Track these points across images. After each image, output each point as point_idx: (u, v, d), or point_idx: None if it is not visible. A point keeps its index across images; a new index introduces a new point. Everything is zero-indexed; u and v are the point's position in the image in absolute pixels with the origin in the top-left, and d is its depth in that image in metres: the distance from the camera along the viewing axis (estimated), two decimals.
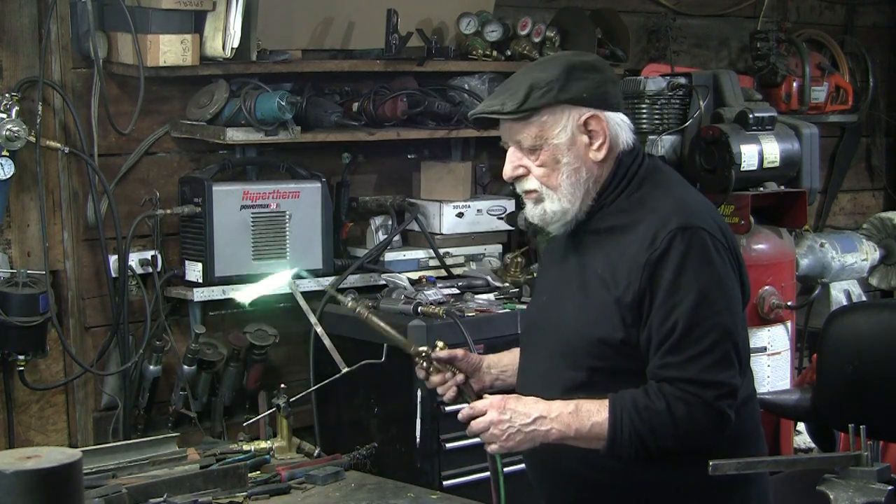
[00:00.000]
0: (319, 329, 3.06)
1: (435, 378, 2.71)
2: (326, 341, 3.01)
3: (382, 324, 2.74)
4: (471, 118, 2.71)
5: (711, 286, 2.47)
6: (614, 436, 2.46)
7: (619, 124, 2.60)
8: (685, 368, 2.44)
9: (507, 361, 2.83)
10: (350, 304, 2.76)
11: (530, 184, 2.60)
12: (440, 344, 2.72)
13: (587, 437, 2.49)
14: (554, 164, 2.56)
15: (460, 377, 2.71)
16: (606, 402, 2.49)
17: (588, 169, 2.57)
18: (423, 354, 2.69)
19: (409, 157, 4.73)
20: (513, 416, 2.52)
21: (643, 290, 2.47)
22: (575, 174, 2.56)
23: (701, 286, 2.45)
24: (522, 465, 2.80)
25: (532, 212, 2.63)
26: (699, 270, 2.46)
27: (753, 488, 2.61)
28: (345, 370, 2.95)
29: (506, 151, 2.65)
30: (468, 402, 2.69)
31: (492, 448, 2.56)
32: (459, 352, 2.74)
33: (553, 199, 2.58)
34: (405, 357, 3.89)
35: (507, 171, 2.62)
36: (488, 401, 2.56)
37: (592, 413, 2.48)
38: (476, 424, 2.54)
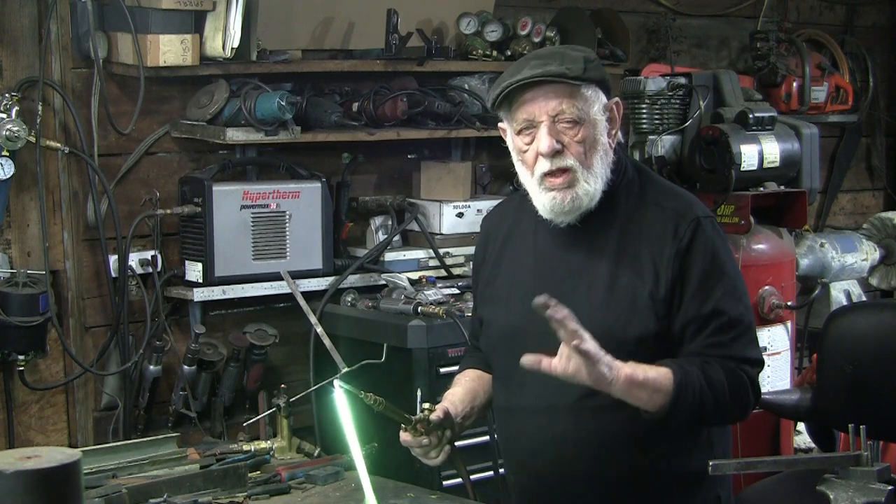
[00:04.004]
0: (319, 329, 3.06)
1: (434, 439, 2.64)
2: (326, 341, 3.01)
3: (398, 410, 2.65)
4: (511, 86, 2.49)
5: (735, 271, 2.58)
6: (679, 393, 2.42)
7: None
8: (731, 348, 2.51)
9: (460, 399, 2.75)
10: (367, 398, 2.62)
11: (567, 161, 2.49)
12: (427, 405, 2.63)
13: (653, 385, 2.41)
14: (592, 142, 2.52)
15: (449, 433, 2.66)
16: (659, 366, 2.45)
17: (610, 154, 2.57)
18: (424, 420, 2.61)
19: (409, 157, 4.74)
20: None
21: (675, 281, 2.51)
22: (606, 157, 2.55)
23: (729, 270, 2.55)
24: (490, 473, 2.79)
25: (556, 199, 2.51)
26: (724, 256, 2.56)
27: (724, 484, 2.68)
28: (345, 370, 2.95)
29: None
30: (456, 462, 2.72)
31: (588, 345, 2.32)
32: (447, 406, 2.68)
33: (588, 180, 2.51)
34: (405, 357, 3.91)
35: (547, 144, 2.48)
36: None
37: (648, 370, 2.43)
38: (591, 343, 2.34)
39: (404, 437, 2.63)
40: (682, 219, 2.53)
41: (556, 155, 2.50)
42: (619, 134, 2.63)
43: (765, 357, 4.58)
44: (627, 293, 2.52)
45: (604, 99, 2.56)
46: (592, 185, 2.52)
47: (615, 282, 2.54)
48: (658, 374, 2.43)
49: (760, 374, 2.62)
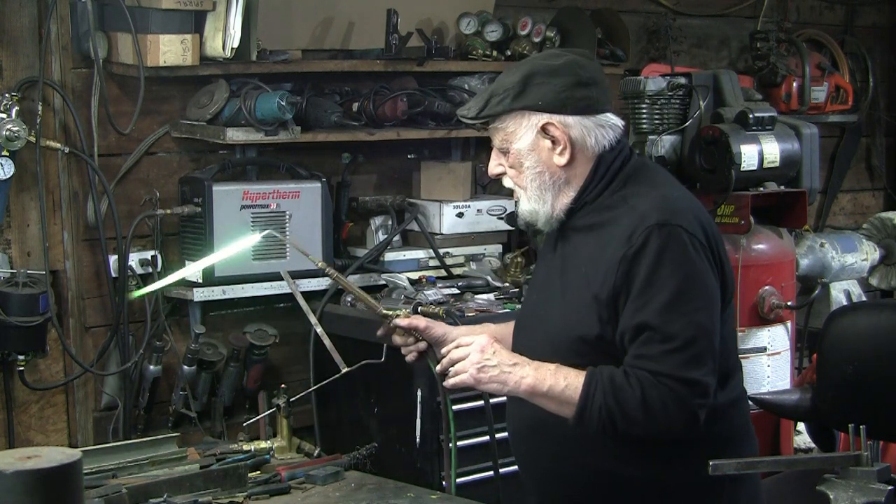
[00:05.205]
0: (319, 329, 3.04)
1: (398, 339, 2.83)
2: (326, 341, 3.00)
3: (351, 285, 2.95)
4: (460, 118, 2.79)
5: (687, 283, 2.47)
6: (584, 404, 2.48)
7: (586, 127, 2.59)
8: (659, 363, 2.44)
9: (485, 329, 2.84)
10: (320, 264, 2.90)
11: (507, 182, 2.71)
12: (402, 312, 2.84)
13: (559, 397, 2.51)
14: (519, 167, 2.64)
15: (422, 345, 2.81)
16: (581, 375, 2.51)
17: (552, 172, 2.61)
18: (387, 319, 2.81)
19: (409, 157, 4.74)
20: (497, 353, 2.58)
21: (619, 286, 2.49)
22: (539, 177, 2.62)
23: (676, 283, 2.46)
24: (515, 468, 2.81)
25: (518, 210, 2.71)
26: (675, 267, 2.47)
27: (744, 488, 2.63)
28: (345, 370, 2.96)
29: None
30: (431, 367, 2.80)
31: (459, 378, 2.60)
32: (420, 323, 2.80)
33: (524, 200, 2.66)
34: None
35: (489, 169, 2.72)
36: (476, 337, 2.63)
37: (570, 377, 2.50)
38: (456, 352, 2.62)
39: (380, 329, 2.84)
40: (641, 223, 2.49)
41: (500, 176, 2.72)
42: (602, 139, 2.61)
43: (765, 357, 4.60)
44: (579, 293, 2.56)
45: (534, 121, 2.59)
46: (529, 205, 2.66)
47: (579, 281, 2.58)
48: (569, 385, 2.50)
49: (764, 377, 2.59)
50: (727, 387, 2.59)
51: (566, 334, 2.56)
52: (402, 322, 2.80)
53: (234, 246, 3.14)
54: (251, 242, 3.18)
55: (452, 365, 2.63)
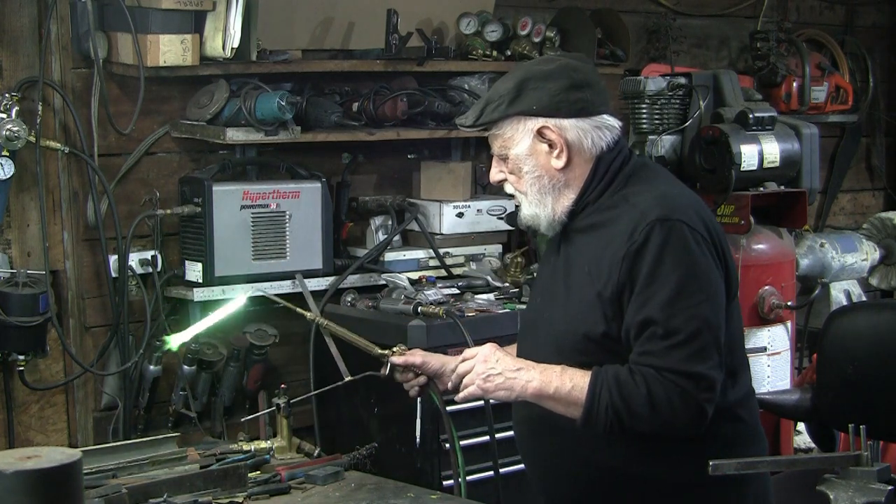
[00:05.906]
0: (328, 338, 3.04)
1: (399, 377, 2.90)
2: (333, 349, 3.03)
3: (345, 332, 3.01)
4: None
5: (689, 278, 2.48)
6: (591, 404, 2.49)
7: (582, 129, 2.61)
8: (663, 358, 2.45)
9: None
10: (310, 316, 3.05)
11: (508, 188, 2.72)
12: (398, 349, 2.90)
13: (566, 399, 2.53)
14: (519, 172, 2.67)
15: (422, 379, 2.87)
16: (587, 375, 2.53)
17: (551, 176, 2.64)
18: (384, 358, 2.89)
19: (409, 157, 4.74)
20: (500, 360, 2.62)
21: (623, 283, 2.50)
22: (538, 181, 2.64)
23: (678, 278, 2.46)
24: (522, 466, 2.82)
25: (520, 215, 2.73)
26: (677, 262, 2.48)
27: (751, 487, 2.62)
28: (348, 379, 3.00)
29: None
30: (435, 400, 2.89)
31: (468, 391, 2.66)
32: (417, 359, 2.86)
33: (525, 204, 2.68)
34: None
35: (491, 176, 2.75)
36: (480, 348, 2.68)
37: (576, 378, 2.52)
38: (462, 366, 2.68)
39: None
40: (643, 220, 2.50)
41: (501, 182, 2.73)
42: (600, 140, 2.62)
43: (765, 357, 4.60)
44: (583, 292, 2.57)
45: (530, 126, 2.62)
46: (531, 209, 2.68)
47: (582, 280, 2.59)
48: (575, 386, 2.52)
49: (764, 377, 2.59)
50: (736, 385, 2.60)
51: (572, 333, 2.57)
52: (398, 360, 2.88)
53: (223, 310, 3.27)
54: (238, 304, 3.32)
55: (461, 380, 2.68)
